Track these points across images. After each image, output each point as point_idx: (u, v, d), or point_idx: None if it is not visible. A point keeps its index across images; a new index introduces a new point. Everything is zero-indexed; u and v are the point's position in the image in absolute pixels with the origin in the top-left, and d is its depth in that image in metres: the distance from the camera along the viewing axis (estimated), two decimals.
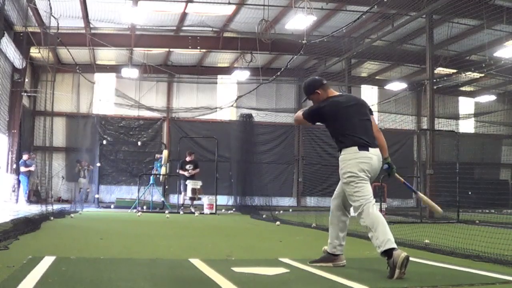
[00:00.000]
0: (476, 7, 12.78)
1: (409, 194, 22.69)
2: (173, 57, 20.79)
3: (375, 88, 23.36)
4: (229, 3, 15.32)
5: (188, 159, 16.38)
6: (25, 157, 16.42)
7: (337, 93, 4.89)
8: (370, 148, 4.53)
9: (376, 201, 4.56)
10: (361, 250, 6.03)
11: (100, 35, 17.38)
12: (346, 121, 4.61)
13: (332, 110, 4.68)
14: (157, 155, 17.87)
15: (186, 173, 16.06)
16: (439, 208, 4.80)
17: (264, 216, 13.61)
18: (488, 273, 4.41)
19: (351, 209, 4.74)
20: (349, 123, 4.60)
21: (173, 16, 16.72)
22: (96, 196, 17.92)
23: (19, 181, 15.95)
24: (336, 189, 4.87)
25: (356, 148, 4.51)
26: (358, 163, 4.48)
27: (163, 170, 17.09)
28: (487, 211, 17.48)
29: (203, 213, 15.06)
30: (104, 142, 19.15)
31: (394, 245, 4.17)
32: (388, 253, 4.13)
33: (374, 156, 4.54)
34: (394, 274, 4.02)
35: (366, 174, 4.49)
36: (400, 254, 4.05)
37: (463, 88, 23.47)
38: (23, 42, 14.75)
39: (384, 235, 4.21)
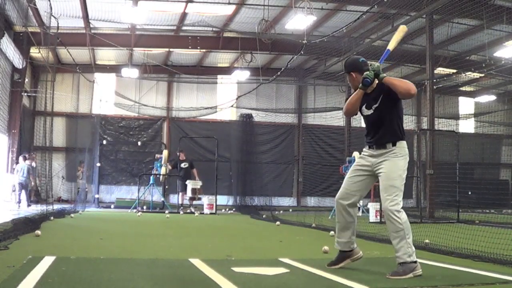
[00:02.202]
0: (476, 7, 12.78)
1: (409, 194, 22.72)
2: (173, 57, 20.79)
3: None
4: (229, 3, 15.31)
5: (181, 158, 16.58)
6: (33, 164, 16.18)
7: None
8: None
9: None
10: (361, 250, 6.02)
11: (100, 35, 17.37)
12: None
13: None
14: (157, 155, 17.87)
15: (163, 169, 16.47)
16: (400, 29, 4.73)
17: (264, 216, 13.62)
18: (488, 273, 4.42)
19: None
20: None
21: (173, 16, 16.71)
22: (96, 196, 17.93)
23: (21, 185, 15.77)
24: (348, 188, 4.61)
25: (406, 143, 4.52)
26: (408, 159, 4.50)
27: (163, 170, 17.10)
28: (487, 211, 17.49)
29: (203, 213, 15.06)
30: (104, 142, 19.16)
31: None
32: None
33: None
34: (402, 276, 4.14)
35: None
36: (419, 269, 4.23)
37: (463, 88, 23.45)
38: (23, 42, 14.75)
39: (413, 246, 4.31)
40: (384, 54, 4.62)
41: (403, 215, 4.28)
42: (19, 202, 15.01)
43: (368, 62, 4.62)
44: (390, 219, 4.29)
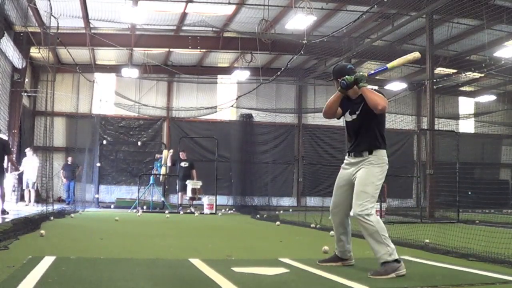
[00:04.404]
0: (476, 7, 12.78)
1: (409, 194, 22.71)
2: (173, 57, 20.79)
3: (375, 88, 23.34)
4: (229, 3, 15.31)
5: (182, 157, 16.56)
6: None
7: None
8: None
9: (376, 201, 4.56)
10: (361, 250, 6.01)
11: (100, 35, 17.37)
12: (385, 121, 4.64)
13: None
14: (157, 155, 17.87)
15: (168, 162, 16.57)
16: (410, 56, 4.53)
17: (264, 216, 13.62)
18: (488, 273, 4.42)
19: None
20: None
21: (173, 16, 16.71)
22: (96, 196, 17.91)
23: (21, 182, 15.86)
24: (336, 202, 4.70)
25: (385, 152, 4.53)
26: (387, 168, 4.51)
27: (163, 170, 17.09)
28: (487, 211, 17.50)
29: (203, 213, 15.06)
30: (104, 142, 19.16)
31: None
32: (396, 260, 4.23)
33: None
34: (383, 275, 4.10)
35: None
36: (403, 269, 4.19)
37: (463, 88, 23.46)
38: (23, 42, 14.74)
39: (391, 244, 4.30)
40: (380, 68, 4.64)
41: (374, 217, 4.30)
42: (17, 201, 15.08)
43: (363, 69, 4.67)
44: (361, 224, 4.33)
